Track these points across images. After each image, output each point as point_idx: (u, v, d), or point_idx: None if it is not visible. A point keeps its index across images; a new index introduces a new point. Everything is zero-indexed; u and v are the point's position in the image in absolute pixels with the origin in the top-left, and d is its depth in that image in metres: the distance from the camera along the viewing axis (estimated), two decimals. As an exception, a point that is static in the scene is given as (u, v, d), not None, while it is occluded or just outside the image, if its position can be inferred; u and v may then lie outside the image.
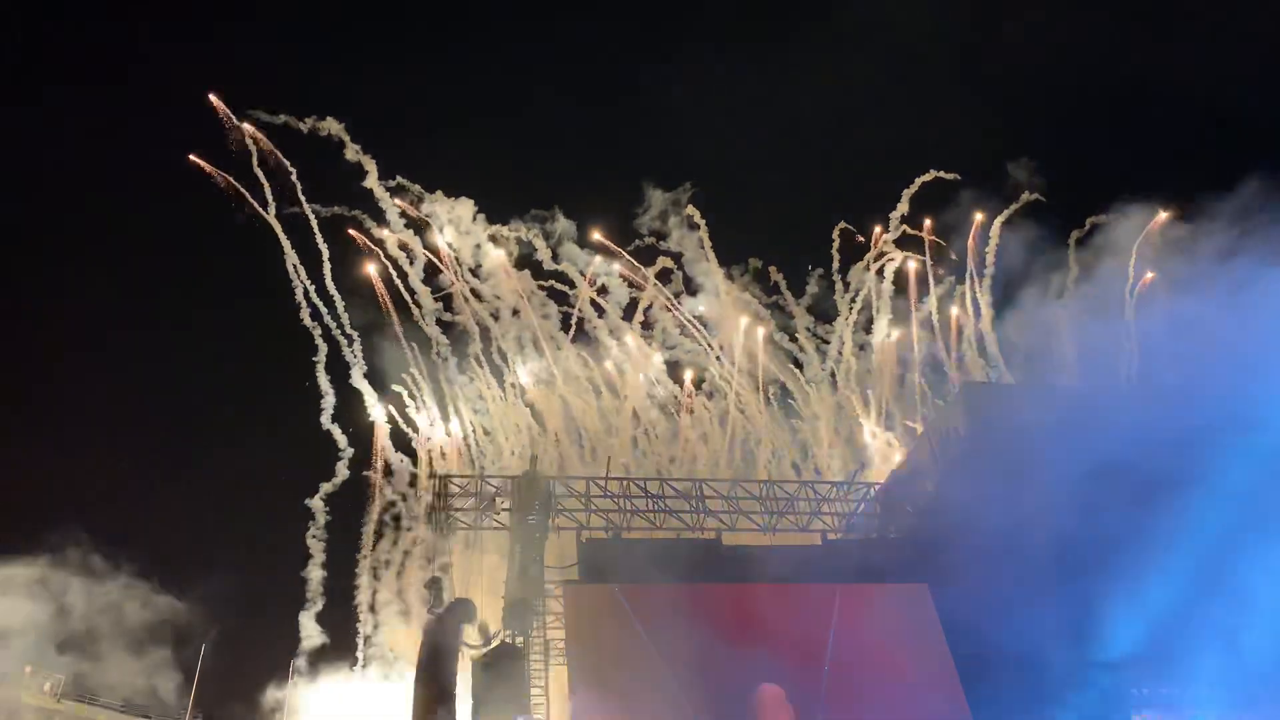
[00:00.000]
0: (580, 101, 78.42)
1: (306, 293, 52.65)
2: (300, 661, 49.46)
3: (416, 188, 54.59)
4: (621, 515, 36.60)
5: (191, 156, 51.58)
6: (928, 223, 61.04)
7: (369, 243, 53.97)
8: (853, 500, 39.91)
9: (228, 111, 51.48)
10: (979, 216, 59.64)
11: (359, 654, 50.34)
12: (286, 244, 52.42)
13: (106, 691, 42.44)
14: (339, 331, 52.84)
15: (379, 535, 53.16)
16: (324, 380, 52.77)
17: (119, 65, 71.86)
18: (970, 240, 59.83)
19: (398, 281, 54.26)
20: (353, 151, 52.91)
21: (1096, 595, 29.92)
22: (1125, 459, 28.21)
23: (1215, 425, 29.37)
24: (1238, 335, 31.25)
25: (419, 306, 54.54)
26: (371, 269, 53.85)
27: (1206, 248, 38.00)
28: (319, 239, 52.82)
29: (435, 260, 55.06)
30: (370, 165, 53.20)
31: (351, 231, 53.64)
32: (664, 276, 58.44)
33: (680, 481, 39.61)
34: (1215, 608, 27.94)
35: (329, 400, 52.63)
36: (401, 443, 54.32)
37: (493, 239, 55.83)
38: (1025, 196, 59.09)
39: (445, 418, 54.83)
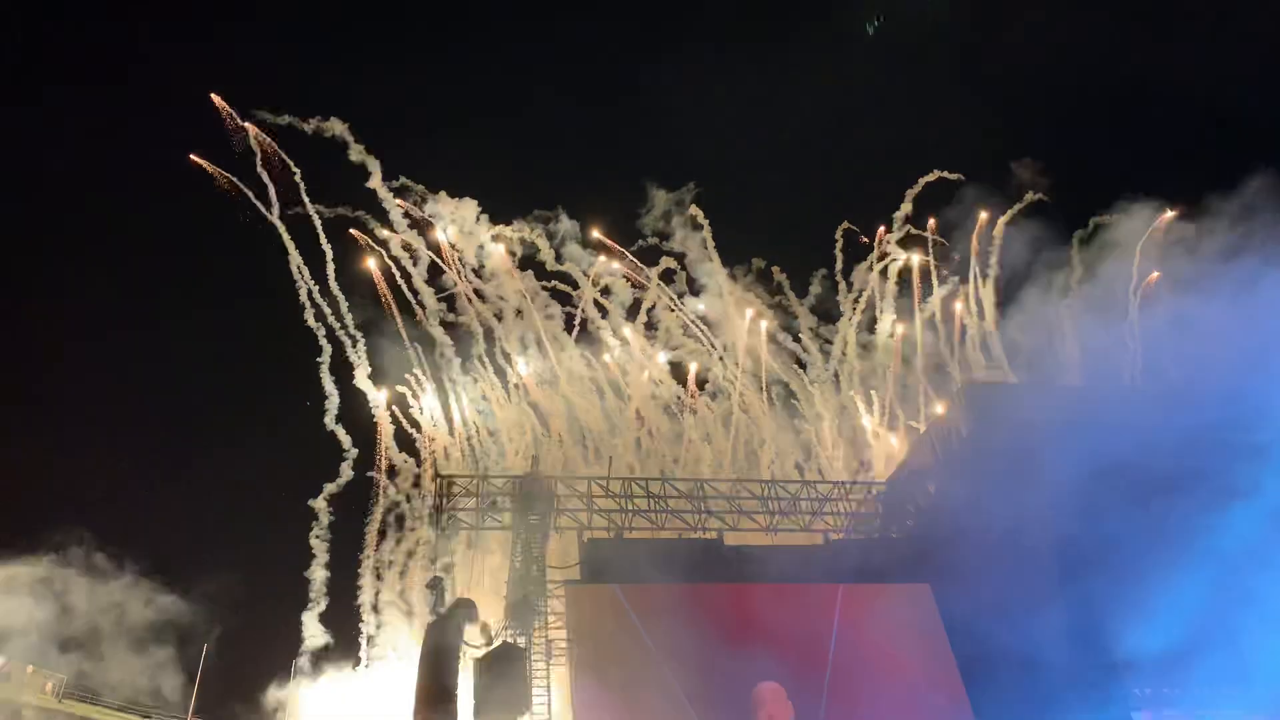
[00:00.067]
0: (582, 101, 78.53)
1: (310, 293, 52.73)
2: (303, 661, 49.54)
3: (420, 188, 54.67)
4: (623, 515, 36.59)
5: (192, 156, 51.66)
6: (931, 222, 61.03)
7: (372, 243, 54.06)
8: (855, 500, 39.85)
9: (231, 112, 51.57)
10: (983, 216, 59.62)
11: (361, 654, 50.39)
12: (291, 245, 52.49)
13: (108, 691, 42.46)
14: (343, 332, 52.94)
15: (382, 535, 53.24)
16: (328, 381, 52.85)
17: (119, 65, 71.95)
18: (973, 240, 59.81)
19: (401, 282, 54.37)
20: (357, 152, 52.94)
21: (1099, 595, 29.83)
22: (1128, 459, 28.15)
23: (1218, 425, 29.29)
24: (1241, 334, 31.15)
25: (423, 307, 54.61)
26: (371, 263, 53.90)
27: (1210, 247, 37.98)
28: (323, 240, 52.92)
29: (439, 261, 55.15)
30: (374, 166, 53.29)
31: (354, 232, 53.72)
32: (667, 277, 58.53)
33: (682, 481, 39.59)
34: (1218, 607, 27.82)
35: (333, 401, 52.73)
36: (405, 443, 54.44)
37: (496, 239, 55.91)
38: (1029, 196, 59.01)
39: (449, 418, 54.88)
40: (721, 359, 58.70)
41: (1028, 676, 28.09)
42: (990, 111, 66.76)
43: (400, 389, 54.13)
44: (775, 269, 60.94)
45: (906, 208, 61.03)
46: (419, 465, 54.32)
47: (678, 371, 58.29)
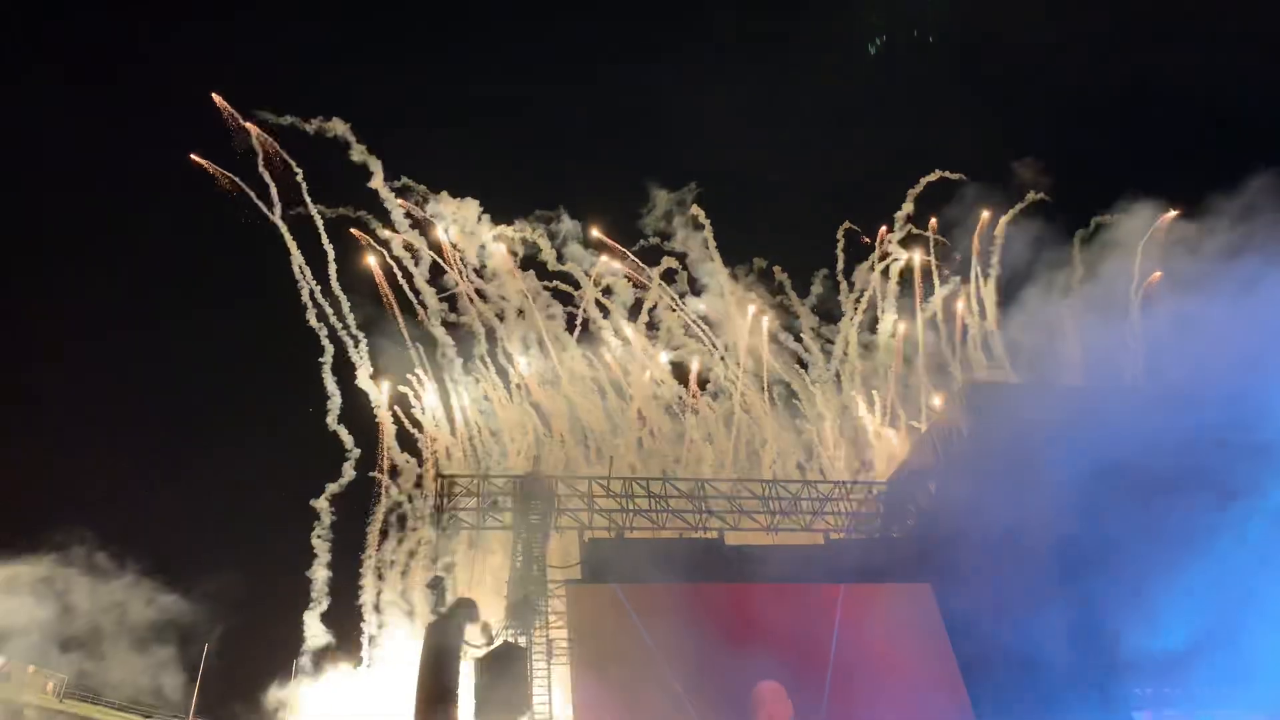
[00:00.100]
0: (583, 101, 78.68)
1: (312, 294, 52.74)
2: (304, 661, 49.57)
3: (422, 188, 54.68)
4: (624, 515, 36.58)
5: (193, 156, 51.68)
6: (932, 222, 61.07)
7: (374, 243, 54.08)
8: (855, 500, 39.83)
9: (233, 112, 51.59)
10: (984, 215, 59.63)
11: (363, 654, 50.41)
12: (293, 245, 52.51)
13: (110, 691, 42.45)
14: (345, 332, 52.96)
15: (384, 535, 53.27)
16: (330, 381, 52.87)
17: (120, 65, 72.03)
18: (975, 239, 59.81)
19: (403, 282, 54.39)
20: (359, 152, 52.93)
21: (1100, 595, 29.87)
22: (1129, 458, 28.19)
23: (1219, 425, 29.29)
24: (1243, 334, 31.12)
25: (424, 307, 54.63)
26: (371, 260, 53.91)
27: (1212, 247, 37.94)
28: (325, 240, 52.95)
29: (440, 261, 55.17)
30: (376, 166, 53.30)
31: (355, 232, 53.74)
32: (669, 276, 58.55)
33: (683, 481, 39.55)
34: (1218, 607, 27.81)
35: (335, 401, 52.76)
36: (407, 443, 54.48)
37: (497, 239, 55.92)
38: (1030, 195, 59.08)
39: (450, 419, 54.91)
40: (723, 359, 58.76)
41: (1028, 676, 28.15)
42: (991, 111, 66.91)
43: (402, 389, 54.22)
44: (777, 269, 61.06)
45: (908, 207, 61.17)
46: (421, 465, 54.39)
47: (679, 371, 58.38)
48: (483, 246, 55.80)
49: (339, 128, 52.56)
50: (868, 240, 61.48)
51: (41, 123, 61.89)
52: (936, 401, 56.08)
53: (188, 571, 46.66)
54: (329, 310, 52.72)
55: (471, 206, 55.24)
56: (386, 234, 54.12)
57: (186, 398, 64.68)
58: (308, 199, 52.72)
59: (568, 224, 57.05)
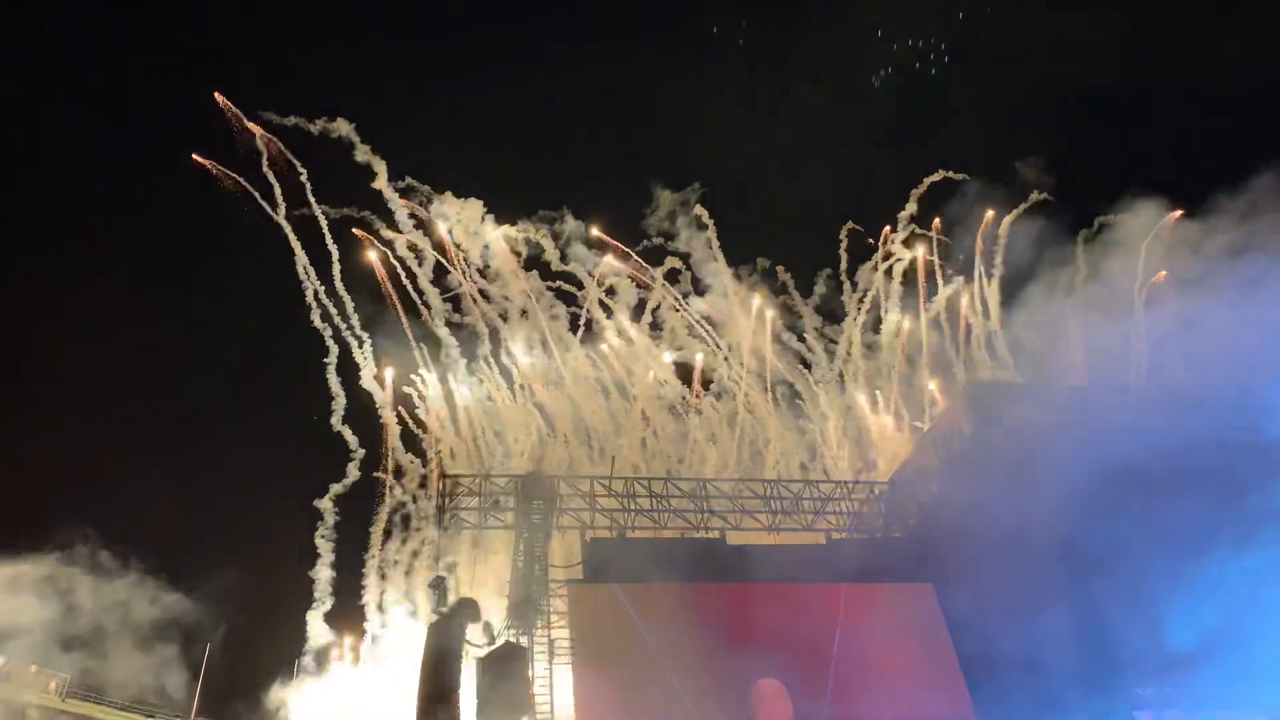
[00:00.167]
0: (586, 101, 78.66)
1: (316, 294, 52.78)
2: (307, 660, 49.63)
3: (425, 188, 54.67)
4: (626, 515, 36.57)
5: (195, 156, 51.73)
6: (936, 222, 60.98)
7: (378, 243, 54.10)
8: (857, 500, 39.77)
9: (236, 112, 51.64)
10: (987, 215, 59.53)
11: (365, 653, 50.45)
12: (297, 245, 52.55)
13: (112, 690, 42.52)
14: (349, 332, 52.99)
15: (387, 535, 53.31)
16: (334, 381, 52.88)
17: (121, 64, 72.12)
18: (978, 239, 59.71)
19: (407, 282, 54.41)
20: (363, 152, 52.90)
21: (1102, 595, 29.81)
22: (1132, 459, 28.07)
23: (1223, 425, 29.22)
24: (1246, 334, 31.05)
25: (428, 308, 54.65)
26: (372, 255, 53.93)
27: (1215, 246, 37.89)
28: (329, 240, 53.00)
29: (444, 261, 55.18)
30: (380, 166, 53.29)
31: (358, 231, 53.77)
32: (672, 277, 58.52)
33: (684, 481, 39.52)
34: (1221, 608, 27.74)
35: (339, 401, 52.79)
36: (411, 443, 54.52)
37: (501, 239, 55.92)
38: (1033, 195, 58.95)
39: (454, 419, 54.93)
40: (726, 359, 58.71)
41: (1030, 676, 28.04)
42: (991, 111, 66.73)
43: (406, 389, 54.27)
44: (780, 269, 61.05)
45: (911, 207, 61.08)
46: (425, 465, 54.42)
47: (683, 372, 58.36)
48: (486, 247, 55.84)
49: (343, 128, 52.58)
50: (871, 240, 61.50)
51: (43, 123, 62.11)
52: (939, 401, 55.99)
53: (191, 571, 46.72)
54: (333, 310, 52.77)
55: (475, 207, 55.29)
56: (390, 234, 54.15)
57: (190, 397, 64.83)
58: (312, 199, 52.78)
59: (571, 224, 57.13)
